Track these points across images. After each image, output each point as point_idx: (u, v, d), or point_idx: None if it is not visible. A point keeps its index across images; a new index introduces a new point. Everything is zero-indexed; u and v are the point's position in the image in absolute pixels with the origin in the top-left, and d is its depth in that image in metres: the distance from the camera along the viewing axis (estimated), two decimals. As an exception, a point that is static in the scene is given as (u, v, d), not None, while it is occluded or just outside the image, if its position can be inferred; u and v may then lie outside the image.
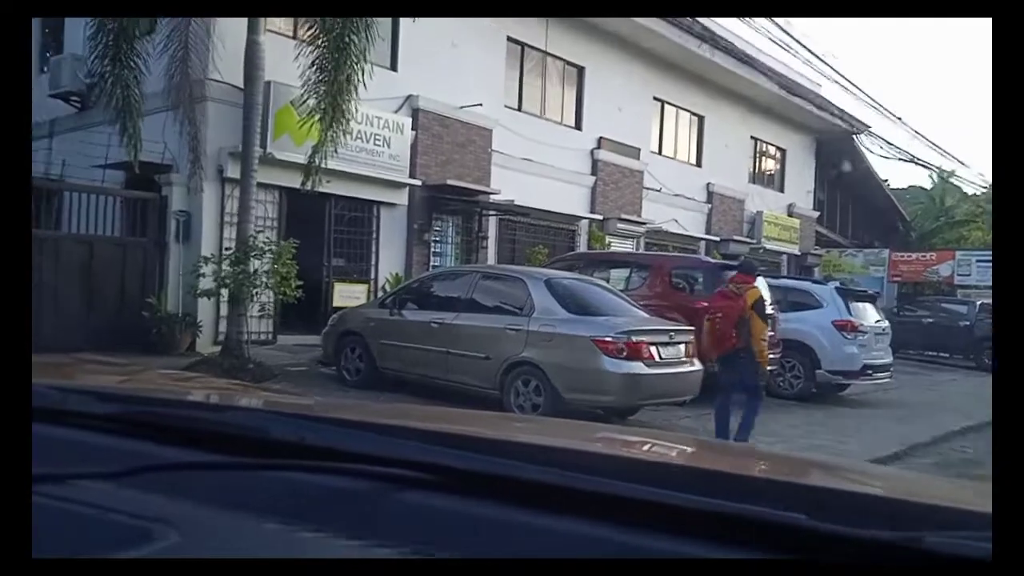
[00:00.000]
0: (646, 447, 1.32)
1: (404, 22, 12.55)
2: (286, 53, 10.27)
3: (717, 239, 18.97)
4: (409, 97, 12.65)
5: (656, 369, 6.83)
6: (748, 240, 19.87)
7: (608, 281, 9.18)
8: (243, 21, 9.60)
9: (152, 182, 10.80)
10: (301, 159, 10.34)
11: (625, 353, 6.62)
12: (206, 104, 10.50)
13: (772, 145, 22.30)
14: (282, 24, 11.15)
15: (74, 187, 10.84)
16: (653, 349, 6.86)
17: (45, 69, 13.37)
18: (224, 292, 9.07)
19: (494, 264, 11.71)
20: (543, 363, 6.86)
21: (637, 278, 9.99)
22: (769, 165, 22.67)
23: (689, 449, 1.41)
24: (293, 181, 10.58)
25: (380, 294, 11.97)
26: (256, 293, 9.23)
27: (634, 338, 6.74)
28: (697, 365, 7.40)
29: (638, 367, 6.69)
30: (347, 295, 11.40)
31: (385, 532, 0.75)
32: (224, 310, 9.68)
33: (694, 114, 19.28)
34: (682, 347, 7.26)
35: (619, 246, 15.97)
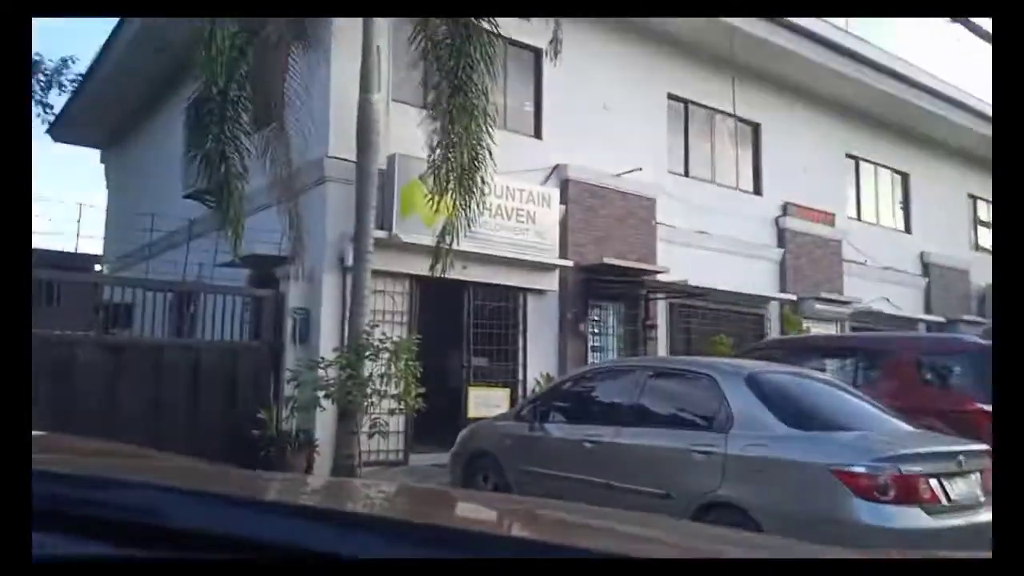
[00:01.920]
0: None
1: (547, 88, 10.99)
2: (412, 122, 8.93)
3: (942, 320, 15.55)
4: (556, 167, 10.94)
5: (944, 520, 4.24)
6: (980, 319, 16.20)
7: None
8: (354, 84, 8.33)
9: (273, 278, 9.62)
10: (432, 241, 8.79)
11: (892, 493, 4.13)
12: (325, 185, 9.26)
13: (995, 204, 18.64)
14: (409, 94, 9.85)
15: (195, 287, 9.87)
16: (935, 484, 4.31)
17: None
18: (329, 404, 7.41)
19: (668, 356, 8.97)
20: (753, 507, 4.47)
21: (866, 370, 7.36)
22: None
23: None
24: (425, 268, 9.03)
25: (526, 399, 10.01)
26: (370, 404, 7.51)
27: (903, 467, 4.23)
28: (1001, 505, 4.72)
29: (915, 517, 4.15)
30: (484, 403, 9.45)
31: None
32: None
33: (896, 171, 16.33)
34: (975, 478, 4.63)
35: (820, 332, 13.14)
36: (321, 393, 7.27)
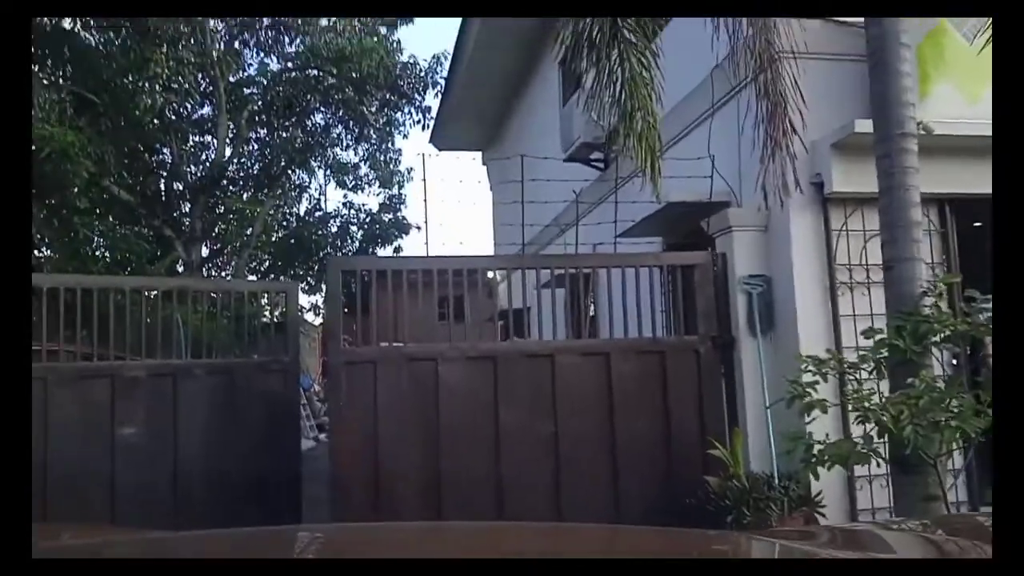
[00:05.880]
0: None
1: None
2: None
3: None
4: None
5: None
6: None
7: None
8: None
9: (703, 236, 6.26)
10: (982, 128, 4.67)
11: None
12: (777, 64, 5.63)
13: None
14: None
15: (578, 262, 6.95)
16: None
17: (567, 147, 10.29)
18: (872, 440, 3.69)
19: None
20: None
21: None
22: None
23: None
24: (964, 179, 5.04)
25: None
26: (951, 430, 3.65)
27: None
28: None
29: None
30: None
31: None
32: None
33: None
34: None
35: None
36: (871, 432, 3.54)
